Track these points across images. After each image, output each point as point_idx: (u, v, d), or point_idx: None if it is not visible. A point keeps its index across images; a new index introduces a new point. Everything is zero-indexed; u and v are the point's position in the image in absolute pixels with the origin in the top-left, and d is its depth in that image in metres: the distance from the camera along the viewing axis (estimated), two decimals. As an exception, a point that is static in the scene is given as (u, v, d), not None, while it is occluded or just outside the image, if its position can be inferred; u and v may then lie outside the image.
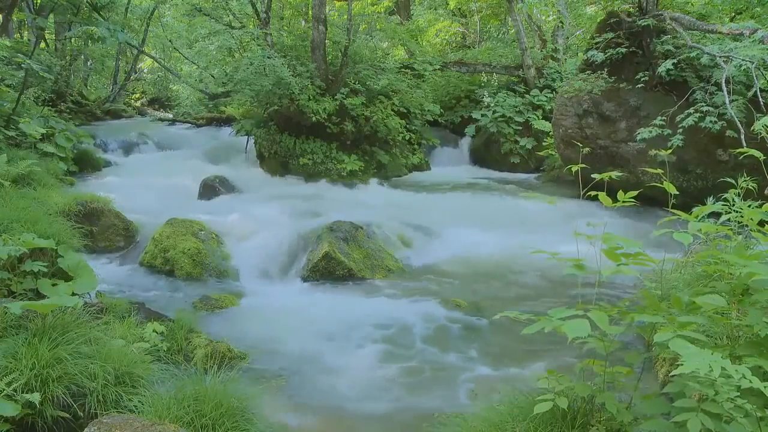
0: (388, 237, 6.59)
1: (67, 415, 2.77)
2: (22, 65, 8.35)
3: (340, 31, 11.56)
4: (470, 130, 12.87)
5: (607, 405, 2.30)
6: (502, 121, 12.23)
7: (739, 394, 1.90)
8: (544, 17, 14.31)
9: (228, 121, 14.29)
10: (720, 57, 7.17)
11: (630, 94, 8.49)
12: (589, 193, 2.62)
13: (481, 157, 12.73)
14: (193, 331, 4.12)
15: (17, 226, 4.31)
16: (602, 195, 2.51)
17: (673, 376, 2.04)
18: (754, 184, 3.02)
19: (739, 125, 6.80)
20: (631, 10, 8.95)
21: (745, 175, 3.09)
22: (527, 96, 12.61)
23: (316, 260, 5.83)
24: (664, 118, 7.63)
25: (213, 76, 13.43)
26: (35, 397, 2.62)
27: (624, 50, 8.50)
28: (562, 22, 14.25)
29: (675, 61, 7.73)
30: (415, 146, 12.25)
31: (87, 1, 11.56)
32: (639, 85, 8.31)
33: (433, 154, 12.78)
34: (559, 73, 13.05)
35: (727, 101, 6.91)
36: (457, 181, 11.06)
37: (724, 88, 6.99)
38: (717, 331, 2.83)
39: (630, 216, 7.11)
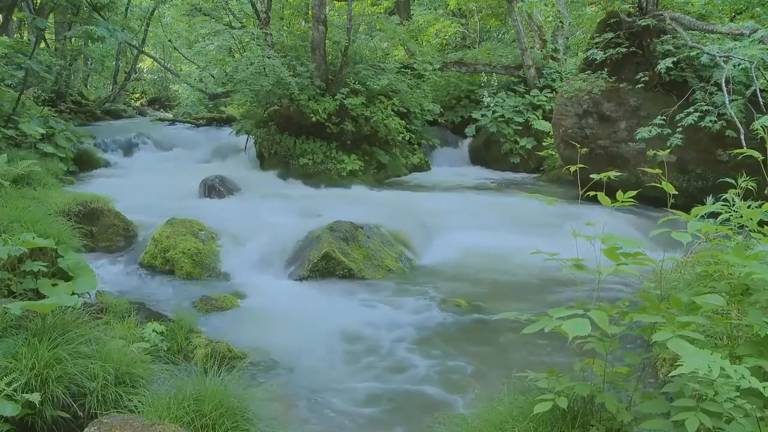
0: (388, 237, 6.59)
1: (67, 415, 2.77)
2: (22, 65, 8.35)
3: (340, 31, 11.55)
4: (470, 130, 12.87)
5: (607, 405, 2.30)
6: (502, 121, 12.23)
7: (738, 394, 1.90)
8: (544, 17, 14.30)
9: (228, 121, 14.29)
10: (720, 57, 7.17)
11: (630, 94, 8.49)
12: (589, 194, 2.62)
13: (481, 157, 12.73)
14: (193, 331, 4.12)
15: (17, 226, 4.31)
16: (601, 195, 2.52)
17: (673, 376, 2.04)
18: (754, 184, 3.02)
19: (739, 125, 6.80)
20: (631, 10, 8.94)
21: (744, 175, 3.09)
22: (527, 96, 12.61)
23: (315, 260, 5.83)
24: (663, 117, 7.63)
25: (213, 76, 13.44)
26: (35, 397, 2.63)
27: (624, 50, 8.50)
28: (562, 22, 14.25)
29: (675, 59, 7.73)
30: (415, 146, 12.25)
31: (87, 1, 11.55)
32: (639, 85, 8.31)
33: (433, 154, 12.78)
34: (559, 73, 13.04)
35: (726, 101, 6.91)
36: (457, 181, 11.07)
37: (724, 88, 6.99)
38: (717, 331, 2.83)
39: (630, 216, 7.11)
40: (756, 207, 2.65)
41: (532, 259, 2.95)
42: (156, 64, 20.98)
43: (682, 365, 1.80)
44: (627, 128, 8.42)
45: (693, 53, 7.54)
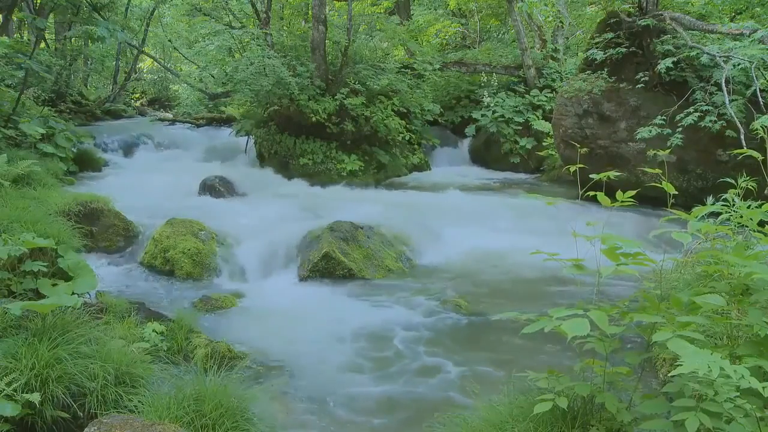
0: (388, 237, 6.59)
1: (67, 415, 2.77)
2: (22, 65, 8.35)
3: (340, 31, 11.55)
4: (470, 130, 12.86)
5: (607, 405, 2.30)
6: (502, 121, 12.23)
7: (738, 394, 1.90)
8: (544, 17, 14.29)
9: (228, 121, 14.28)
10: (720, 57, 7.17)
11: (630, 94, 8.49)
12: (589, 194, 2.62)
13: (481, 157, 12.73)
14: (193, 331, 4.12)
15: (17, 226, 4.31)
16: (601, 195, 2.51)
17: (673, 376, 2.04)
18: (754, 184, 3.02)
19: (739, 125, 6.80)
20: (631, 10, 8.94)
21: (744, 175, 3.09)
22: (527, 96, 12.60)
23: (316, 260, 5.83)
24: (663, 117, 7.63)
25: (213, 76, 13.44)
26: (35, 397, 2.63)
27: (624, 50, 8.49)
28: (562, 22, 14.24)
29: (675, 59, 7.73)
30: (415, 146, 12.24)
31: (87, 1, 11.55)
32: (639, 85, 8.31)
33: (433, 154, 12.78)
34: (559, 73, 13.03)
35: (726, 101, 6.91)
36: (457, 181, 11.07)
37: (724, 88, 6.98)
38: (717, 331, 2.83)
39: (630, 216, 7.11)
40: (756, 207, 2.65)
41: (531, 259, 2.95)
42: (156, 64, 20.97)
43: (682, 365, 1.80)
44: (627, 128, 8.42)
45: (693, 53, 7.54)
